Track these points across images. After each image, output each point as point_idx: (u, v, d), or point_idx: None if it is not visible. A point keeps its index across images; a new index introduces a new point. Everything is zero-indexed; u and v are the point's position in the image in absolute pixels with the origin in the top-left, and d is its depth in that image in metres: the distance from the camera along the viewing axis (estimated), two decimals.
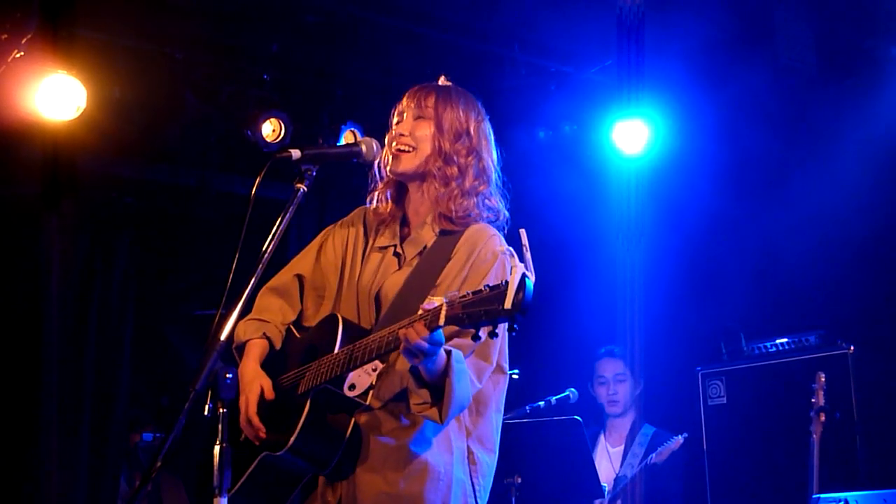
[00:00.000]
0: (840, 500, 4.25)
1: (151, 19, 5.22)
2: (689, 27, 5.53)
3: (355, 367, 2.71)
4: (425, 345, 2.47)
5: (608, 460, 5.74)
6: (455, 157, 2.89)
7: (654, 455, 5.36)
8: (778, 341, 5.61)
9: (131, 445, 6.41)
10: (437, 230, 2.91)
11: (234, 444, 2.88)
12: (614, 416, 5.83)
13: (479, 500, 2.86)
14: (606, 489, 5.52)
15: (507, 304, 2.31)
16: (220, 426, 2.40)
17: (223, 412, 2.40)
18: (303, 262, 3.13)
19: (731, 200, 6.03)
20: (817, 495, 4.46)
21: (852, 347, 5.23)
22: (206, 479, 2.47)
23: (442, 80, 3.05)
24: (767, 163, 5.99)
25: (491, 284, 2.38)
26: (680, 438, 5.37)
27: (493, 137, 3.02)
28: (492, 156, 2.99)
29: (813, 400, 4.93)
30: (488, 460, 2.90)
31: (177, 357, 7.35)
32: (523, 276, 2.34)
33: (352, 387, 2.74)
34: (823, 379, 4.97)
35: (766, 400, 5.52)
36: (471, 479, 2.85)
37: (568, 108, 6.19)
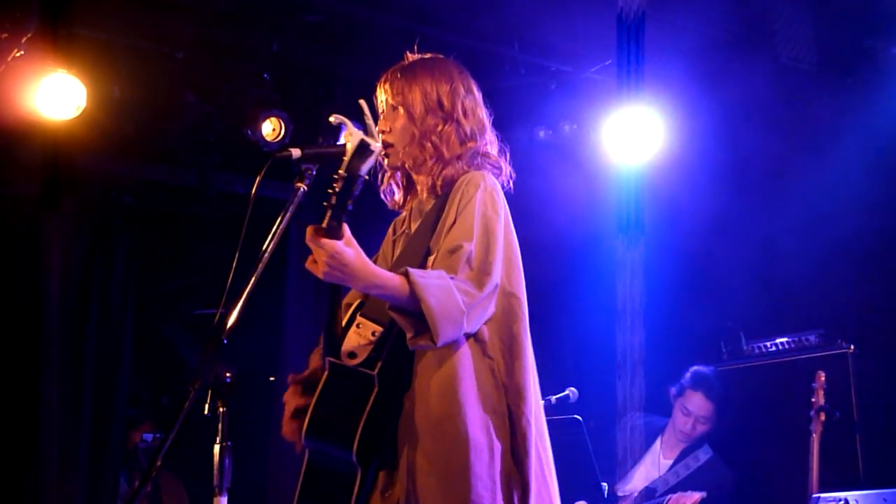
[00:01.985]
0: (840, 500, 4.24)
1: (151, 18, 5.21)
2: (689, 27, 5.53)
3: (332, 322, 2.69)
4: (318, 246, 2.47)
5: (656, 468, 5.51)
6: (429, 136, 2.88)
7: (672, 497, 5.10)
8: (778, 341, 5.61)
9: (131, 446, 6.40)
10: (434, 197, 2.91)
11: None
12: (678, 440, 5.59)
13: (521, 462, 2.75)
14: (606, 489, 5.50)
15: (342, 170, 2.39)
16: (220, 426, 2.40)
17: (223, 412, 2.40)
18: (352, 293, 3.12)
19: (731, 200, 6.03)
20: (817, 495, 4.45)
21: (852, 347, 5.23)
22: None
23: (409, 57, 3.03)
24: (767, 163, 5.99)
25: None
26: (697, 496, 5.04)
27: (476, 92, 2.98)
28: (475, 114, 2.95)
29: (813, 399, 4.93)
30: (528, 412, 2.76)
31: (177, 357, 7.35)
32: (362, 140, 2.38)
33: (351, 355, 2.69)
34: (823, 378, 4.97)
35: (766, 400, 5.52)
36: (512, 441, 2.75)
37: (568, 108, 6.19)
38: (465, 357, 2.73)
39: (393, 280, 2.56)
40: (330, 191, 2.45)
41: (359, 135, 2.41)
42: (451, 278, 2.63)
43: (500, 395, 2.76)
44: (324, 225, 2.46)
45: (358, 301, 2.86)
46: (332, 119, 2.67)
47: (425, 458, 2.68)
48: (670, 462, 5.53)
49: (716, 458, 5.46)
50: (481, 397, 2.73)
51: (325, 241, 2.47)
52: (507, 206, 2.85)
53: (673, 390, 5.58)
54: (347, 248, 2.50)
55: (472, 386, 2.72)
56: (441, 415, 2.68)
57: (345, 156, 2.44)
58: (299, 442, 2.82)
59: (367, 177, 2.54)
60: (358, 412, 2.66)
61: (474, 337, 2.75)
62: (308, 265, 2.53)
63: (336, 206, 2.43)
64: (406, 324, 2.60)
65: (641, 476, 5.55)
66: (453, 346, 2.70)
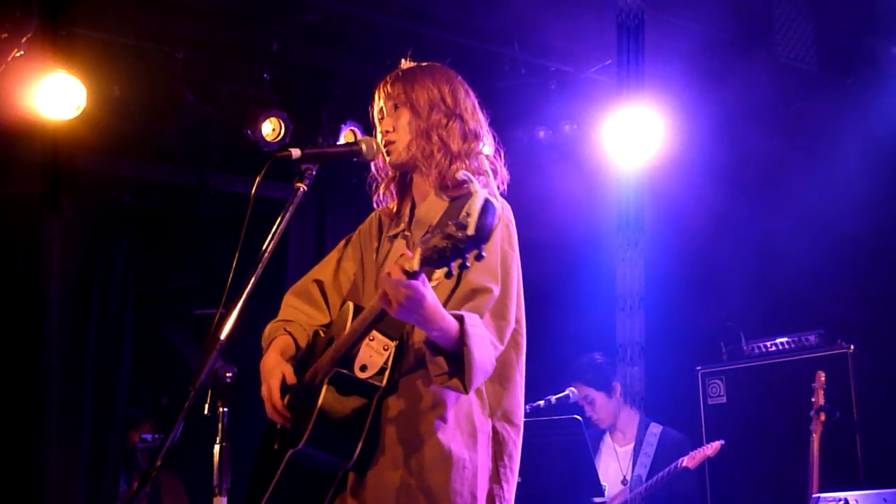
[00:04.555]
0: (840, 500, 4.25)
1: (151, 18, 5.22)
2: (689, 27, 5.53)
3: (357, 342, 2.67)
4: (402, 287, 2.38)
5: (616, 460, 5.71)
6: (435, 129, 2.89)
7: (685, 459, 5.30)
8: (778, 341, 5.61)
9: (130, 446, 6.40)
10: (447, 198, 2.87)
11: (266, 453, 2.89)
12: (608, 428, 5.84)
13: (506, 482, 2.79)
14: (606, 489, 5.52)
15: (471, 231, 2.23)
16: (220, 426, 2.40)
17: (223, 411, 2.40)
18: (323, 271, 3.13)
19: (730, 200, 6.03)
20: (817, 495, 4.46)
21: (852, 347, 5.23)
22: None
23: (405, 64, 3.04)
24: (767, 163, 5.99)
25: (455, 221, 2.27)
26: (717, 444, 5.30)
27: (473, 96, 3.00)
28: (477, 114, 2.97)
29: (813, 400, 4.93)
30: (515, 436, 2.83)
31: (177, 357, 7.35)
32: (486, 200, 2.26)
33: (363, 367, 2.68)
34: (823, 378, 4.97)
35: (766, 399, 5.53)
36: (496, 461, 2.79)
37: (568, 108, 6.19)
38: None
39: (451, 325, 2.53)
40: (440, 239, 2.27)
41: (483, 193, 2.26)
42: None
43: (487, 416, 2.80)
44: (415, 268, 2.34)
45: (354, 305, 2.85)
46: (458, 175, 2.55)
47: (407, 471, 2.69)
48: (628, 448, 5.72)
49: (667, 429, 5.70)
50: (466, 416, 2.75)
51: (411, 282, 2.39)
52: (516, 234, 2.86)
53: None
54: (427, 290, 2.45)
55: (457, 404, 2.74)
56: (425, 430, 2.70)
57: (469, 216, 2.23)
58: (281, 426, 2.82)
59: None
60: (361, 424, 2.68)
61: None
62: (380, 301, 2.47)
63: (440, 259, 2.28)
64: (441, 362, 2.59)
65: (610, 472, 5.66)
66: None
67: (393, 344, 2.70)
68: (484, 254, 2.27)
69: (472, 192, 2.28)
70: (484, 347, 2.59)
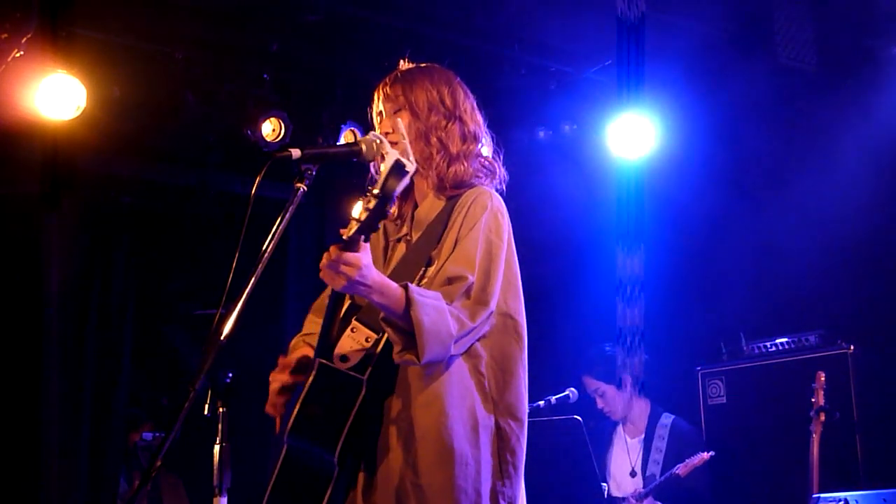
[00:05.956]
0: (840, 500, 4.25)
1: (151, 19, 5.22)
2: (689, 27, 5.53)
3: (328, 329, 2.69)
4: (340, 260, 2.45)
5: (626, 452, 5.72)
6: (434, 131, 2.90)
7: (680, 466, 5.31)
8: (778, 341, 5.62)
9: (130, 445, 6.40)
10: (444, 198, 2.90)
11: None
12: (621, 420, 5.83)
13: (508, 478, 2.77)
14: (606, 488, 5.52)
15: (377, 189, 2.35)
16: (220, 426, 2.40)
17: (223, 412, 2.40)
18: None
19: (730, 200, 6.03)
20: (817, 495, 4.46)
21: (852, 347, 5.24)
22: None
23: (403, 65, 3.05)
24: (767, 163, 6.00)
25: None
26: (706, 455, 5.30)
27: (472, 98, 3.02)
28: (476, 115, 2.99)
29: (813, 400, 4.93)
30: (518, 431, 2.81)
31: (177, 357, 7.35)
32: (396, 160, 2.36)
33: (343, 358, 2.69)
34: (823, 379, 4.97)
35: (766, 400, 5.53)
36: (499, 457, 2.77)
37: (568, 108, 6.19)
38: (455, 371, 2.74)
39: (395, 292, 2.56)
40: (362, 208, 2.41)
41: (394, 154, 2.39)
42: (448, 304, 2.65)
43: (490, 411, 2.78)
44: (345, 237, 2.44)
45: (349, 302, 2.87)
46: (369, 136, 2.69)
47: (410, 469, 2.69)
48: (638, 440, 5.71)
49: (678, 419, 5.69)
50: (469, 412, 2.74)
51: (351, 255, 2.46)
52: (510, 227, 2.86)
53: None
54: (365, 256, 2.49)
55: (459, 400, 2.73)
56: (426, 426, 2.70)
57: (378, 175, 2.41)
58: (278, 422, 2.83)
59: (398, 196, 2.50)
60: (344, 415, 2.66)
61: (467, 353, 2.77)
62: (324, 276, 2.52)
63: (364, 224, 2.40)
64: (396, 337, 2.61)
65: (621, 464, 5.65)
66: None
67: (375, 336, 2.70)
68: (389, 210, 2.40)
69: (383, 153, 2.45)
70: (437, 316, 2.59)
